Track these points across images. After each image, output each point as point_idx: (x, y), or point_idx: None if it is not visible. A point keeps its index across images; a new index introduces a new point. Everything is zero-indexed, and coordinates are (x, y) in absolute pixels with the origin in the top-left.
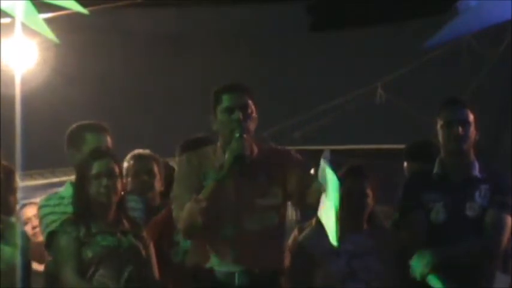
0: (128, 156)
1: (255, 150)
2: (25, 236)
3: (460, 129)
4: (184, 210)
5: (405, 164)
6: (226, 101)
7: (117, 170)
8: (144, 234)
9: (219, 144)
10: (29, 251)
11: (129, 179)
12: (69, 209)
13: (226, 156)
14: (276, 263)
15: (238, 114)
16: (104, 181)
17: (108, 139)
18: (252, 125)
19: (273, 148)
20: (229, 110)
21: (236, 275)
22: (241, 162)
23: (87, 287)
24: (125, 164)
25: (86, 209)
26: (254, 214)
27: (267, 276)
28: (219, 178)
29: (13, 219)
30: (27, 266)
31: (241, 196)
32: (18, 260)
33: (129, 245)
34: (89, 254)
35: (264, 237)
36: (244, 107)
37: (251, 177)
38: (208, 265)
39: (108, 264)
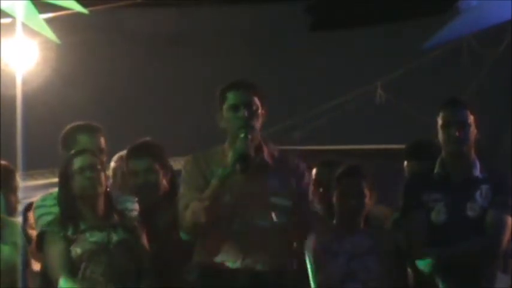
0: (115, 157)
1: (265, 148)
2: (25, 236)
3: (459, 131)
4: (188, 209)
5: (405, 163)
6: (231, 98)
7: (99, 164)
8: (136, 224)
9: (227, 142)
10: (28, 251)
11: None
12: None
13: (230, 155)
14: (284, 262)
15: (243, 112)
16: (87, 173)
17: (102, 140)
18: (258, 122)
19: (283, 153)
20: (234, 108)
21: (244, 272)
22: (245, 162)
23: (77, 286)
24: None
25: (72, 206)
26: (265, 211)
27: (274, 274)
28: (222, 177)
29: (13, 218)
30: (26, 266)
31: (253, 192)
32: (17, 260)
33: (119, 239)
34: (78, 251)
35: (273, 235)
36: (249, 104)
37: (263, 175)
38: (215, 262)
39: (98, 260)
